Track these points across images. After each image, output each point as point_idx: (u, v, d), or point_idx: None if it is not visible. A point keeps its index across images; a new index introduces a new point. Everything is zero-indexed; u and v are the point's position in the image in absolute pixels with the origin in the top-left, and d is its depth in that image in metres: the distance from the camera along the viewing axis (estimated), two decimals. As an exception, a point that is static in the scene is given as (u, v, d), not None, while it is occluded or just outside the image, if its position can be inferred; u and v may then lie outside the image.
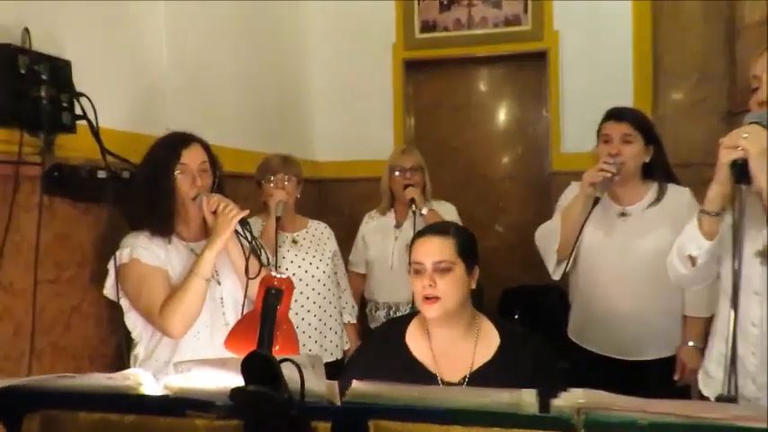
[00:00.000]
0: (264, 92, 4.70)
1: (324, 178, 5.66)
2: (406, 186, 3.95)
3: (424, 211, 3.88)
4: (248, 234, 2.66)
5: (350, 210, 5.41)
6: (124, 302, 2.65)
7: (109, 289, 2.66)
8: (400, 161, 4.03)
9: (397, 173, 4.01)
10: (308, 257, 3.66)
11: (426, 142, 5.56)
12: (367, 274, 4.16)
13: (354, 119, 5.70)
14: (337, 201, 5.66)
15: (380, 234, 4.09)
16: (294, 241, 3.68)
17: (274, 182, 3.56)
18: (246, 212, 2.67)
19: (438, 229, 2.52)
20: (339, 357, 3.72)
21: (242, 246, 2.69)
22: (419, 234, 2.53)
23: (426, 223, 3.55)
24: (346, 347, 3.81)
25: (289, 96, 5.20)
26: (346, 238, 4.24)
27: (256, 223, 3.52)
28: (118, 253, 2.62)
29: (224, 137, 3.77)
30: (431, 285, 2.39)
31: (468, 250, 2.48)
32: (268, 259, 2.78)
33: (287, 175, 3.59)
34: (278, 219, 3.48)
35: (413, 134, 5.73)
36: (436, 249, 2.43)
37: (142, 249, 2.62)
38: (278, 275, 1.90)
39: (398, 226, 4.06)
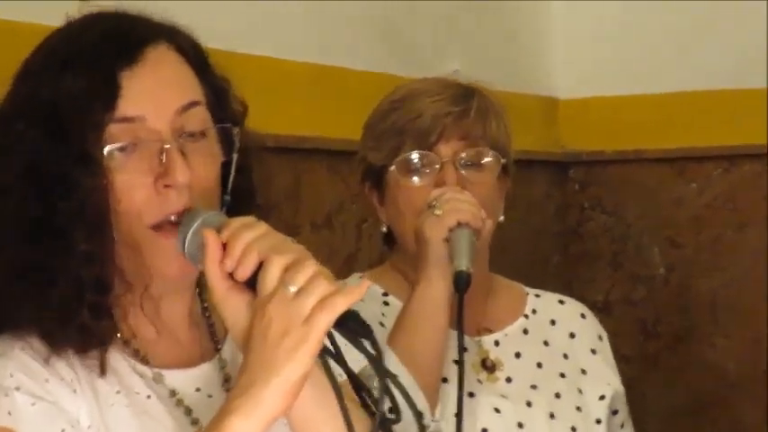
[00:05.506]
0: None
1: (578, 155, 2.69)
2: None
3: None
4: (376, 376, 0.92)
5: (671, 251, 2.56)
6: None
7: None
8: None
9: None
10: (533, 418, 1.57)
11: None
12: None
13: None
14: (616, 216, 2.63)
15: None
16: (487, 365, 1.60)
17: (423, 168, 1.54)
18: (358, 294, 0.92)
19: None
20: None
21: (337, 391, 0.93)
22: None
23: None
24: None
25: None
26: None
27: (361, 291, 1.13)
28: None
29: (283, 43, 1.98)
30: None
31: None
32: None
33: (471, 148, 1.56)
34: (461, 286, 1.44)
35: None
36: None
37: (23, 398, 0.99)
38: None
39: None
